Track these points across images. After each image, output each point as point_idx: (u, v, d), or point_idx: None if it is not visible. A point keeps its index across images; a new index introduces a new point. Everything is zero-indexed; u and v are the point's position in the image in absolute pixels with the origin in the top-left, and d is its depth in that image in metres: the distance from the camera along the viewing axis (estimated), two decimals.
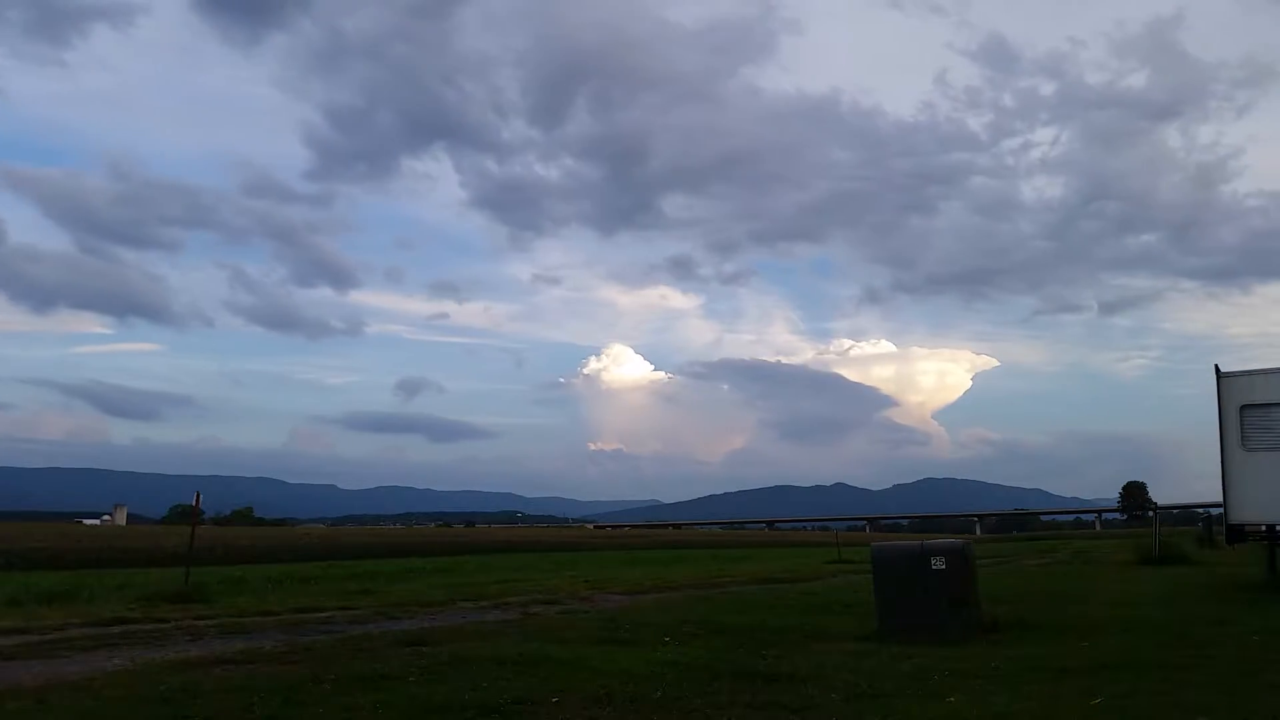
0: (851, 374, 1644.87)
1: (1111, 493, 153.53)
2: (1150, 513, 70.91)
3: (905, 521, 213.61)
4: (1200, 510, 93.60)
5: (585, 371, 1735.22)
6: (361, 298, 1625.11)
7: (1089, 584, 18.38)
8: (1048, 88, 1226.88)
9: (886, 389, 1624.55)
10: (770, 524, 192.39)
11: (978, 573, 10.70)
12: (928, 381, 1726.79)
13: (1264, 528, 15.65)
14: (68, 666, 7.69)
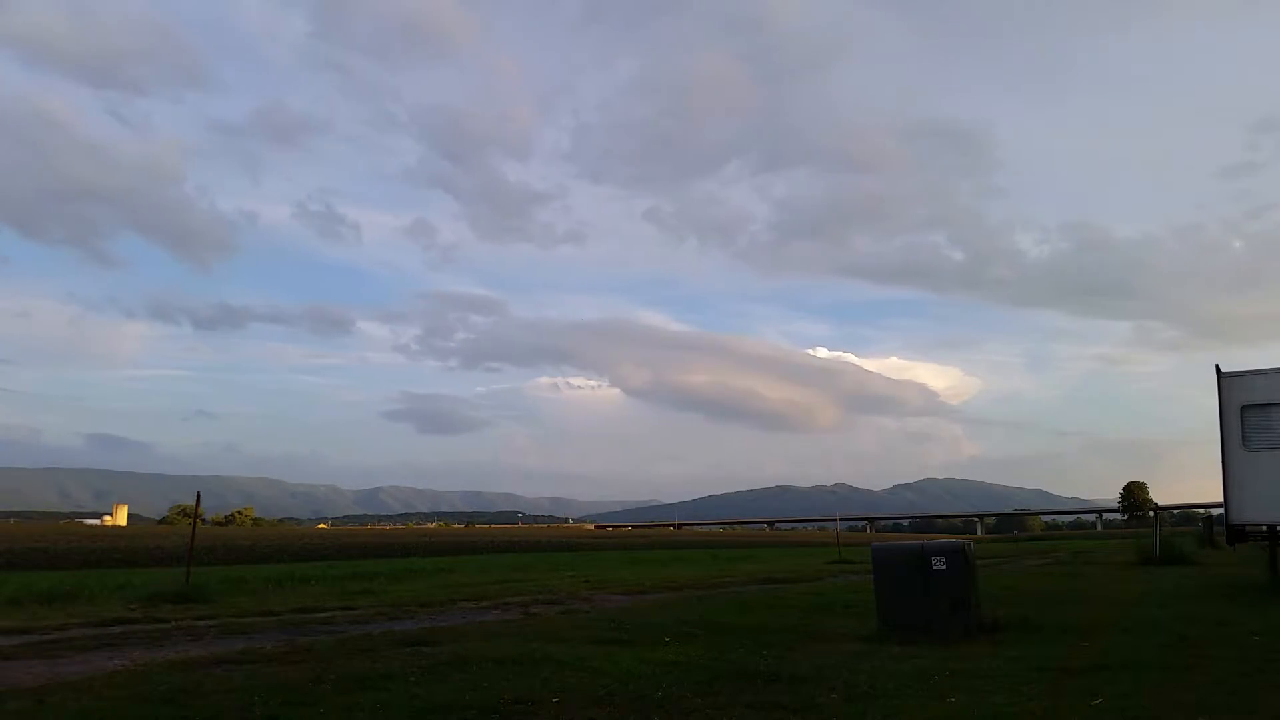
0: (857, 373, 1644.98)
1: (1112, 493, 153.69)
2: (1151, 513, 70.87)
3: (905, 521, 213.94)
4: (1201, 510, 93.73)
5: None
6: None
7: (1089, 584, 18.36)
8: None
9: (890, 390, 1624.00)
10: (770, 524, 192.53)
11: (978, 573, 10.69)
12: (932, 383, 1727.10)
13: (1265, 528, 15.64)
14: (68, 666, 7.69)
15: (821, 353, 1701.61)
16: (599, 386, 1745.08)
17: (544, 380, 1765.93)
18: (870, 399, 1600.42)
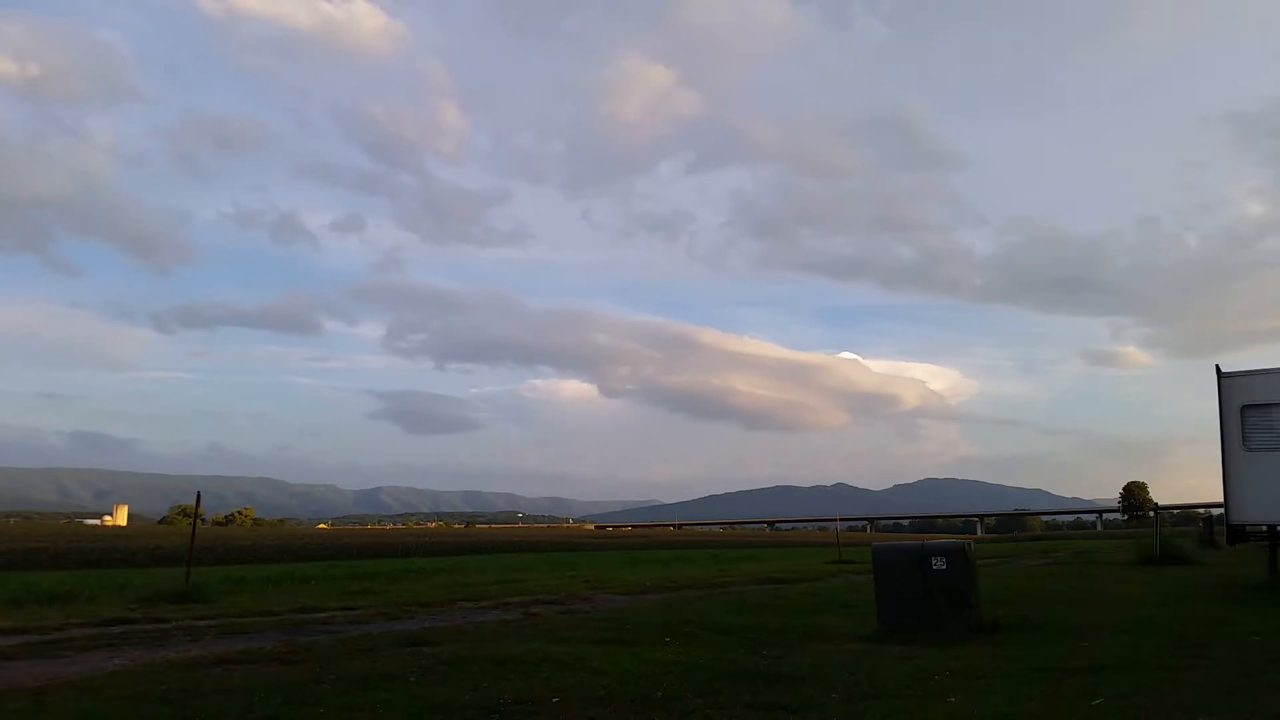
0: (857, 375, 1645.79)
1: (1112, 493, 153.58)
2: (1151, 513, 70.87)
3: (905, 521, 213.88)
4: (1201, 510, 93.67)
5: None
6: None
7: (1089, 584, 18.36)
8: None
9: (890, 390, 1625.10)
10: (770, 524, 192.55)
11: (978, 573, 10.69)
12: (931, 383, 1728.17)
13: (1265, 528, 15.64)
14: (68, 666, 7.69)
15: (819, 353, 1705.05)
16: (588, 387, 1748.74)
17: (539, 382, 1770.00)
18: (870, 399, 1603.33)
